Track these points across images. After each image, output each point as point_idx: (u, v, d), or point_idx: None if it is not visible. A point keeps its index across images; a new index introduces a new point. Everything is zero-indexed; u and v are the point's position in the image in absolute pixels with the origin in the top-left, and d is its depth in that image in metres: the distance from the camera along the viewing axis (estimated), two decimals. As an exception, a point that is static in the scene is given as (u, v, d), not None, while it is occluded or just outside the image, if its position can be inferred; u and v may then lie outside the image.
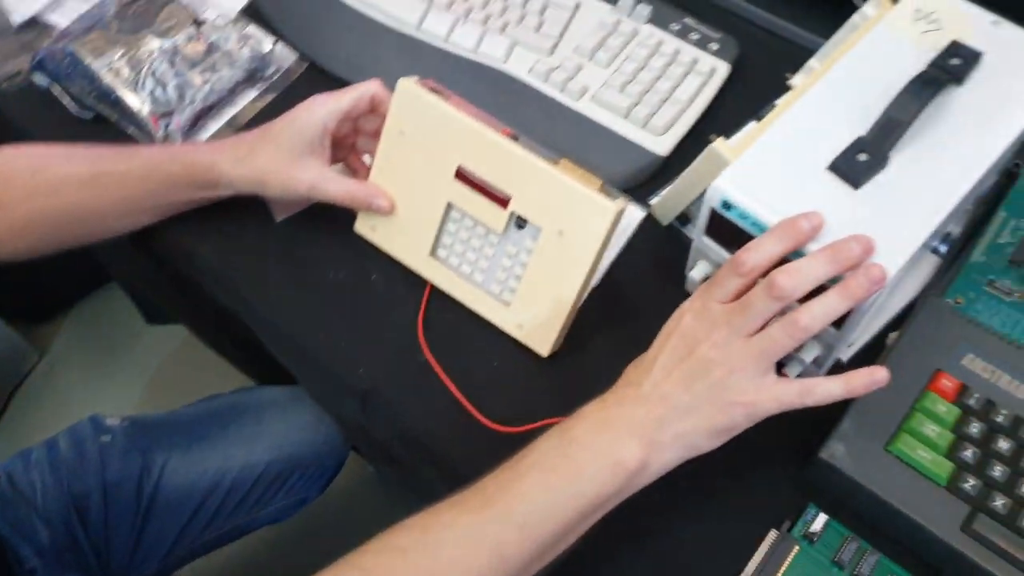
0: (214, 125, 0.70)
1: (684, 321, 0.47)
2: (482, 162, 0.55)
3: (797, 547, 0.50)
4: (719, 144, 0.50)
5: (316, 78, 0.72)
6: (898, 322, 0.56)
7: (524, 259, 0.56)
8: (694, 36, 0.69)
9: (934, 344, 0.52)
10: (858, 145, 0.47)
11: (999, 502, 0.47)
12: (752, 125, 0.67)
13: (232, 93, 0.70)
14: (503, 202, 0.55)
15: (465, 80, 0.68)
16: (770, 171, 0.48)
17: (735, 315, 0.45)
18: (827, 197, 0.47)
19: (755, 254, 0.45)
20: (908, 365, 0.52)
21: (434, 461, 0.56)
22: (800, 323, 0.44)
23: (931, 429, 0.49)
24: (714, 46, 0.68)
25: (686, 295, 0.59)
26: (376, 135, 0.62)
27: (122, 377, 1.42)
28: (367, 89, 0.58)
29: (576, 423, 0.47)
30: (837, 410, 0.51)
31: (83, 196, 0.60)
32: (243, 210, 0.63)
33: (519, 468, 0.45)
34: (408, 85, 0.56)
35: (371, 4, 0.71)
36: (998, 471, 0.48)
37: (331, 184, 0.58)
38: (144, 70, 0.67)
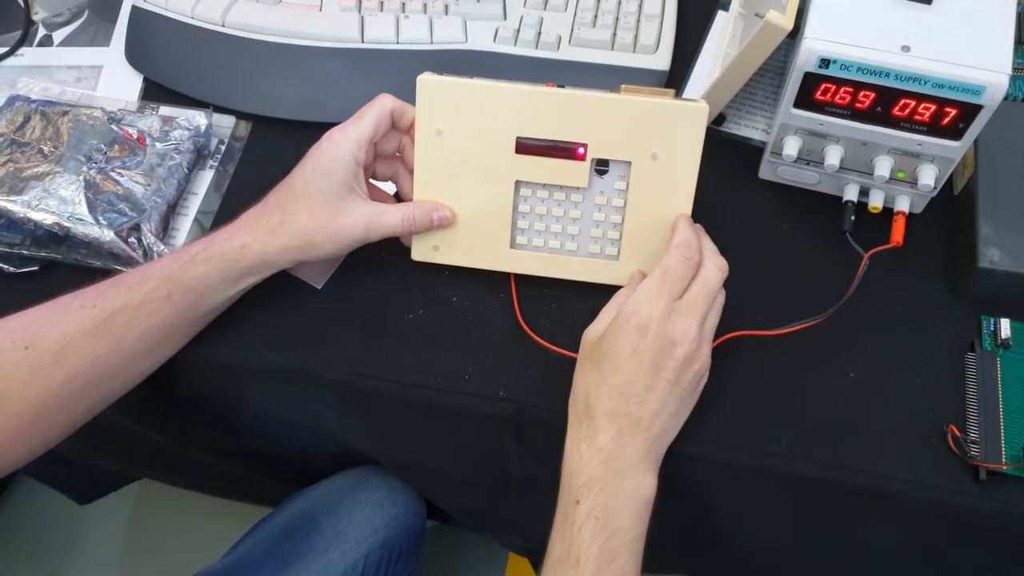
0: (185, 221, 0.60)
1: (653, 334, 0.46)
2: (542, 123, 0.51)
3: (998, 358, 0.50)
4: (774, 17, 0.49)
5: (268, 131, 0.64)
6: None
7: (618, 203, 0.52)
8: (629, -47, 0.67)
9: (1007, 133, 0.54)
10: (912, -37, 0.48)
11: None
12: (722, 15, 0.67)
13: (188, 181, 0.61)
14: (579, 154, 0.51)
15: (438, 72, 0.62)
16: (846, 17, 0.48)
17: (702, 304, 0.48)
18: (909, 19, 0.47)
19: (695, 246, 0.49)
20: (999, 159, 0.54)
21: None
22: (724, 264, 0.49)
23: (1056, 201, 0.52)
24: (653, -45, 0.67)
25: (758, 185, 0.58)
26: (395, 156, 0.56)
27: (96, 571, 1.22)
28: (383, 105, 0.52)
29: (595, 490, 0.45)
30: (937, 235, 0.53)
31: (97, 350, 0.49)
32: (272, 296, 0.55)
33: None
34: (431, 78, 0.51)
35: (302, 34, 0.64)
36: None
37: (386, 216, 0.52)
38: (80, 193, 0.56)
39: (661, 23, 0.64)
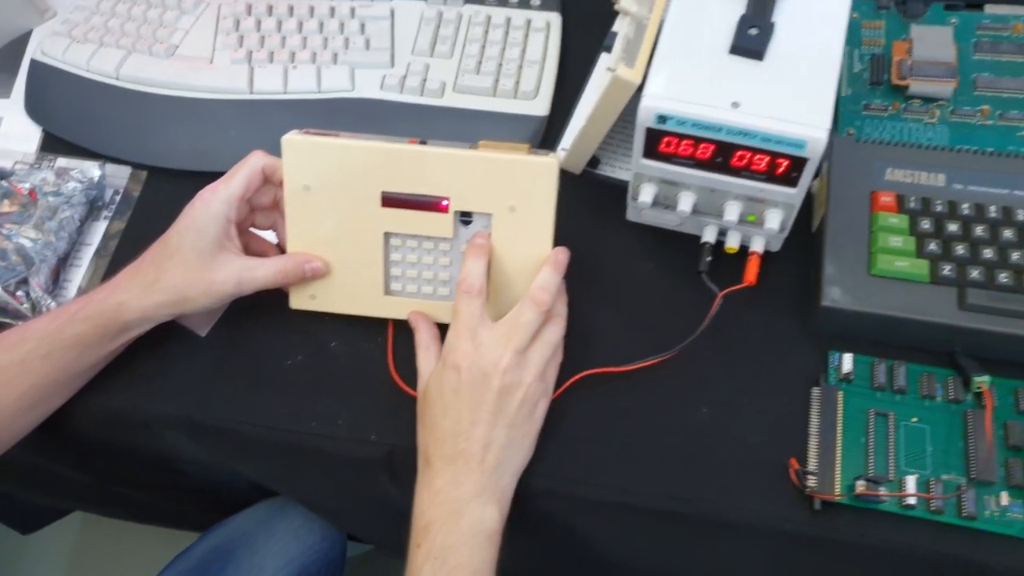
0: (77, 273, 0.62)
1: (466, 369, 0.49)
2: (405, 178, 0.53)
3: (840, 392, 0.53)
4: (623, 72, 0.51)
5: (163, 180, 0.66)
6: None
7: (484, 253, 0.55)
8: (513, 0, 0.70)
9: (857, 174, 0.57)
10: (745, 22, 0.51)
11: (975, 273, 0.53)
12: (605, 56, 0.69)
13: (80, 233, 0.63)
14: (442, 207, 0.53)
15: (325, 121, 0.65)
16: (683, 75, 0.50)
17: (546, 347, 0.52)
18: (741, 76, 0.50)
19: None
20: (848, 199, 0.57)
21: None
22: (544, 298, 0.51)
23: (895, 240, 0.54)
24: (536, 1, 0.70)
25: (628, 226, 0.61)
26: (273, 206, 0.58)
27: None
28: (254, 164, 0.54)
29: (433, 531, 0.47)
30: (792, 274, 0.57)
31: (-24, 410, 0.51)
32: (156, 345, 0.57)
33: None
34: (294, 138, 0.53)
35: (193, 86, 0.66)
36: (960, 249, 0.54)
37: (258, 271, 0.54)
38: (-30, 248, 0.58)
39: (542, 69, 0.67)
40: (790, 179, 0.51)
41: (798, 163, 0.50)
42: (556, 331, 0.53)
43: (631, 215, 0.61)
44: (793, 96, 0.49)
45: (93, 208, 0.64)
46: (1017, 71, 0.62)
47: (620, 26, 0.70)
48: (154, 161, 0.65)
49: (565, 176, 0.63)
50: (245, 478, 0.70)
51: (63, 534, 1.24)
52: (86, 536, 1.25)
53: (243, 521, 0.80)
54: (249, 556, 0.76)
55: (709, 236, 0.57)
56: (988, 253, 0.53)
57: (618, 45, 0.67)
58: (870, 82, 0.64)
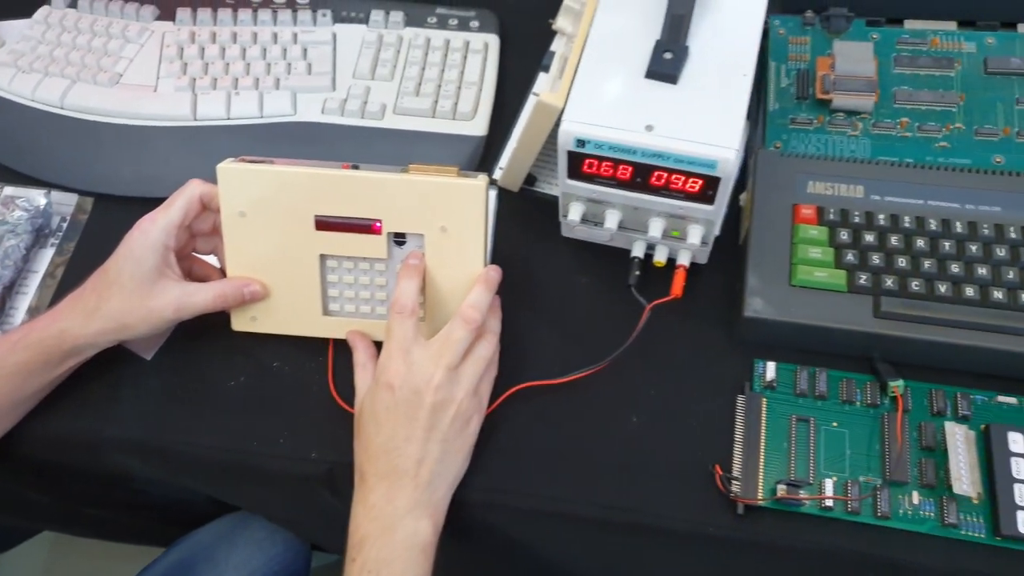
0: (23, 300, 0.63)
1: (398, 387, 0.51)
2: (337, 202, 0.55)
3: (764, 399, 0.55)
4: (546, 96, 0.53)
5: (110, 207, 0.67)
6: (740, 186, 0.63)
7: (418, 272, 0.56)
8: (453, 22, 0.72)
9: (780, 187, 0.59)
10: (660, 47, 0.53)
11: (889, 282, 0.55)
12: (543, 76, 0.71)
13: (27, 260, 0.64)
14: (375, 229, 0.55)
15: (267, 145, 0.66)
16: (601, 99, 0.52)
17: (478, 363, 0.53)
18: (656, 99, 0.52)
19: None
20: (771, 211, 0.59)
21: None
22: (474, 316, 0.53)
23: (814, 252, 0.56)
24: (475, 24, 0.72)
25: (564, 241, 0.63)
26: (214, 232, 0.59)
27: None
28: (191, 192, 0.55)
29: (367, 545, 0.49)
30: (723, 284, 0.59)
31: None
32: (103, 369, 0.58)
33: None
34: (229, 167, 0.55)
35: (137, 114, 0.67)
36: (876, 259, 0.56)
37: (197, 296, 0.55)
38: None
39: (480, 90, 0.68)
40: (706, 197, 0.53)
41: (712, 182, 0.51)
42: (488, 347, 0.54)
43: (564, 231, 0.62)
44: (705, 118, 0.51)
45: (40, 236, 0.65)
46: (934, 84, 0.64)
47: (558, 45, 0.72)
48: (101, 188, 0.67)
49: (504, 194, 0.66)
50: (204, 493, 0.72)
51: (34, 552, 1.25)
52: (55, 555, 1.26)
53: (205, 534, 0.81)
54: (211, 569, 0.77)
55: (638, 251, 0.59)
56: (902, 262, 0.55)
57: (555, 65, 0.69)
58: (796, 96, 0.66)
